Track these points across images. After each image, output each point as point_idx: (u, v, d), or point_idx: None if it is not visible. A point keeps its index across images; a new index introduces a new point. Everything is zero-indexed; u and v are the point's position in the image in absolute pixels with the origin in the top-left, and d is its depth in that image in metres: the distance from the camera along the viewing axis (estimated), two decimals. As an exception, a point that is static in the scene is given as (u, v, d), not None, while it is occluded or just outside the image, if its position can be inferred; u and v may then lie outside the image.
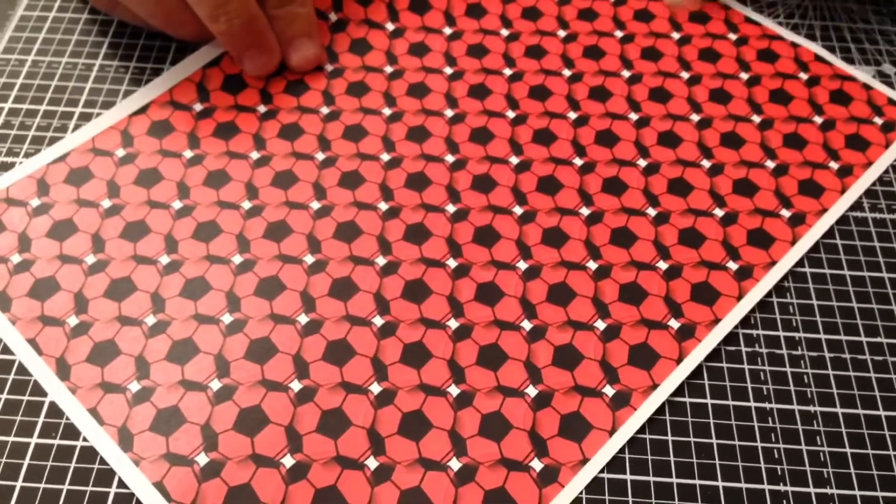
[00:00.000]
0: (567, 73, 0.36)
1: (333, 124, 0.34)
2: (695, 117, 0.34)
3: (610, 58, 0.36)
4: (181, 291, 0.29)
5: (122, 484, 0.25)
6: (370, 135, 0.33)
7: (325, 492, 0.25)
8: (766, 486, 0.26)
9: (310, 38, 0.35)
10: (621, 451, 0.26)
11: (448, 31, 0.37)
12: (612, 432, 0.26)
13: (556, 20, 0.37)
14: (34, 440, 0.26)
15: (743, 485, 0.26)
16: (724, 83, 0.35)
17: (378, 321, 0.28)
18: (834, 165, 0.33)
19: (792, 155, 0.33)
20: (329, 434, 0.26)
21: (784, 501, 0.25)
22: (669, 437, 0.27)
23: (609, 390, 0.27)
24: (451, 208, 0.31)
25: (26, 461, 0.26)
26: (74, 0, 0.38)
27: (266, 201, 0.31)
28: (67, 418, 0.26)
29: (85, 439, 0.26)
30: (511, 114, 0.34)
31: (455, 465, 0.25)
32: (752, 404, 0.27)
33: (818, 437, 0.27)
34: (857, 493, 0.26)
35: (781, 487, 0.26)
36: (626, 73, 0.36)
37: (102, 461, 0.26)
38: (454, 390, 0.27)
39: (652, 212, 0.31)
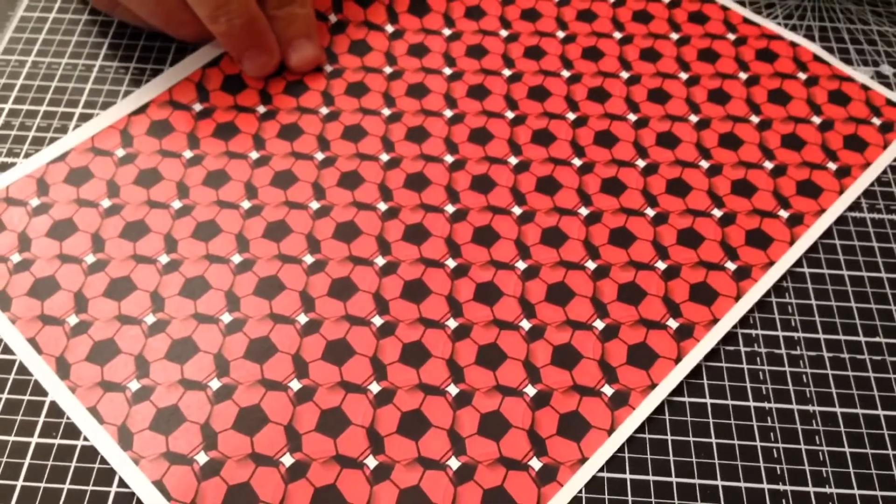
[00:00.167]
0: (566, 73, 0.36)
1: (333, 124, 0.34)
2: (693, 118, 0.34)
3: (609, 59, 0.36)
4: (181, 291, 0.29)
5: (122, 483, 0.25)
6: (369, 135, 0.33)
7: (325, 491, 0.25)
8: (765, 486, 0.26)
9: (309, 38, 0.35)
10: (621, 450, 0.26)
11: (447, 32, 0.37)
12: (610, 431, 0.26)
13: (555, 21, 0.38)
14: (34, 440, 0.26)
15: (742, 484, 0.26)
16: (722, 83, 0.35)
17: (377, 321, 0.28)
18: (832, 166, 0.33)
19: (790, 155, 0.33)
20: (328, 433, 0.26)
21: (783, 500, 0.25)
22: (669, 437, 0.27)
23: (608, 390, 0.27)
24: (450, 208, 0.31)
25: (27, 461, 0.26)
26: (75, 1, 0.38)
27: (265, 201, 0.31)
28: (68, 418, 0.26)
29: (85, 438, 0.26)
30: (510, 114, 0.34)
31: (454, 464, 0.25)
32: (752, 404, 0.27)
33: (817, 437, 0.27)
34: (856, 492, 0.26)
35: (780, 487, 0.26)
36: (624, 75, 0.36)
37: (102, 461, 0.26)
38: (453, 390, 0.27)
39: (650, 212, 0.31)
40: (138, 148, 0.33)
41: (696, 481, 0.26)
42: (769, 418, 0.27)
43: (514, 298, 0.29)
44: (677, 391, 0.28)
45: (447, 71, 0.36)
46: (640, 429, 0.27)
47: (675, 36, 0.37)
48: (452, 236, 0.30)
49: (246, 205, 0.31)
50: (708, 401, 0.27)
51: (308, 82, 0.35)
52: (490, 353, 0.28)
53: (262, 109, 0.34)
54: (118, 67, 0.36)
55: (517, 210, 0.31)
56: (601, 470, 0.26)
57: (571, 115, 0.34)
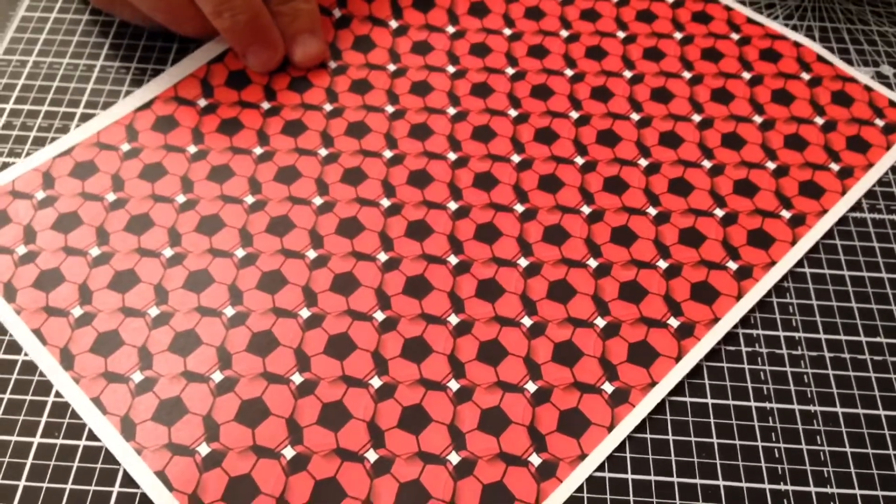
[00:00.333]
0: (569, 72, 0.36)
1: (336, 121, 0.34)
2: (696, 117, 0.34)
3: (612, 58, 0.36)
4: (184, 284, 0.29)
5: (125, 483, 0.25)
6: (373, 132, 0.33)
7: (325, 483, 0.25)
8: (766, 486, 0.26)
9: (313, 34, 0.35)
10: (622, 450, 0.26)
11: (451, 29, 0.37)
12: (610, 428, 0.26)
13: (559, 20, 0.38)
14: (37, 440, 0.26)
15: (744, 484, 0.26)
16: (726, 83, 0.36)
17: (379, 316, 0.28)
18: (835, 167, 0.33)
19: (793, 156, 0.33)
20: (329, 426, 0.26)
21: (785, 500, 0.26)
22: (670, 437, 0.27)
23: (608, 387, 0.27)
24: (452, 205, 0.31)
25: (29, 461, 0.26)
26: (75, 1, 0.38)
27: (269, 196, 0.31)
28: (70, 418, 0.26)
29: (87, 438, 0.26)
30: (513, 112, 0.34)
31: (454, 458, 0.26)
32: (753, 404, 0.27)
33: (818, 437, 0.27)
34: (858, 492, 0.26)
35: (782, 486, 0.26)
36: (627, 74, 0.36)
37: (105, 461, 0.26)
38: (454, 385, 0.27)
39: (652, 211, 0.31)
40: (143, 143, 0.33)
41: (698, 481, 0.26)
42: (770, 418, 0.27)
43: (516, 295, 0.29)
44: (679, 391, 0.28)
45: (451, 69, 0.36)
46: (642, 429, 0.27)
47: (678, 35, 0.37)
48: (455, 233, 0.31)
49: (249, 200, 0.31)
50: (709, 401, 0.27)
51: (312, 79, 0.35)
52: (491, 349, 0.28)
53: (266, 105, 0.34)
54: (119, 67, 0.36)
55: (519, 207, 0.31)
56: (603, 470, 0.26)
57: (574, 114, 0.34)
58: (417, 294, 0.29)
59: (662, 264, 0.30)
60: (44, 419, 0.26)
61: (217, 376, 0.27)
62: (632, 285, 0.29)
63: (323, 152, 0.33)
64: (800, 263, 0.31)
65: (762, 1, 0.39)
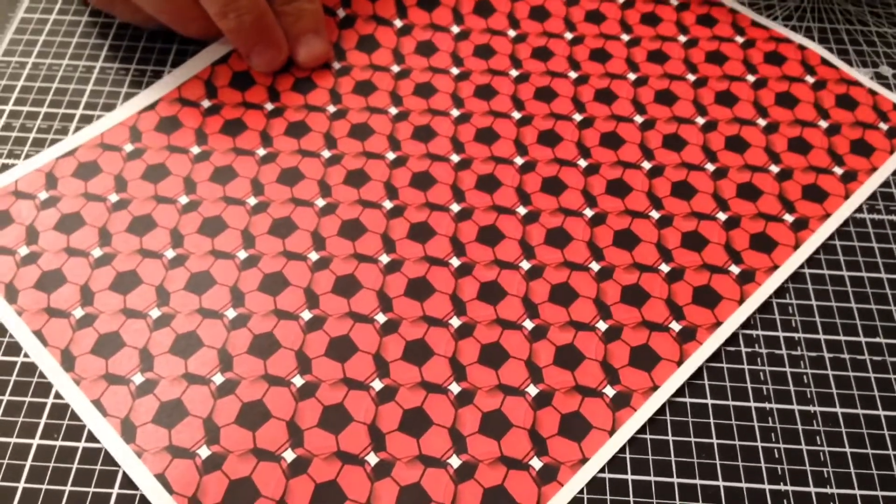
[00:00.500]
0: (573, 75, 0.36)
1: (340, 122, 0.34)
2: (700, 120, 0.34)
3: (616, 61, 0.36)
4: (186, 285, 0.29)
5: (124, 484, 0.25)
6: (376, 133, 0.33)
7: (326, 486, 0.25)
8: (766, 486, 0.26)
9: (317, 34, 0.35)
10: (622, 450, 0.26)
11: (456, 29, 0.37)
12: (611, 432, 0.26)
13: (564, 22, 0.38)
14: (36, 441, 0.26)
15: (744, 484, 0.26)
16: (730, 85, 0.35)
17: (381, 318, 0.28)
18: (838, 170, 0.33)
19: (796, 159, 0.33)
20: (330, 429, 0.26)
21: (784, 501, 0.26)
22: (670, 437, 0.27)
23: (609, 391, 0.27)
24: (455, 207, 0.31)
25: (28, 462, 0.26)
26: (75, 2, 0.38)
27: (272, 198, 0.31)
28: (69, 420, 0.26)
29: (87, 440, 0.26)
30: (517, 115, 0.34)
31: (455, 462, 0.26)
32: (753, 404, 0.27)
33: (818, 437, 0.27)
34: (857, 492, 0.26)
35: (782, 487, 0.26)
36: (631, 76, 0.36)
37: (104, 462, 0.26)
38: (455, 388, 0.27)
39: (655, 214, 0.31)
40: (146, 143, 0.33)
41: (698, 482, 0.26)
42: (770, 419, 0.27)
43: (518, 298, 0.29)
44: (678, 392, 0.28)
45: (454, 70, 0.36)
46: (642, 429, 0.27)
47: (683, 38, 0.37)
48: (457, 235, 0.31)
49: (252, 201, 0.31)
50: (709, 401, 0.27)
51: (316, 80, 0.35)
52: (493, 352, 0.28)
53: (269, 106, 0.34)
54: (119, 69, 0.36)
55: (522, 210, 0.31)
56: (603, 471, 0.26)
57: (578, 117, 0.34)
58: (419, 296, 0.29)
59: (665, 268, 0.30)
60: (43, 421, 0.26)
61: (218, 378, 0.27)
62: (634, 289, 0.29)
63: (326, 154, 0.33)
64: (799, 265, 0.31)
65: (762, 2, 0.39)
